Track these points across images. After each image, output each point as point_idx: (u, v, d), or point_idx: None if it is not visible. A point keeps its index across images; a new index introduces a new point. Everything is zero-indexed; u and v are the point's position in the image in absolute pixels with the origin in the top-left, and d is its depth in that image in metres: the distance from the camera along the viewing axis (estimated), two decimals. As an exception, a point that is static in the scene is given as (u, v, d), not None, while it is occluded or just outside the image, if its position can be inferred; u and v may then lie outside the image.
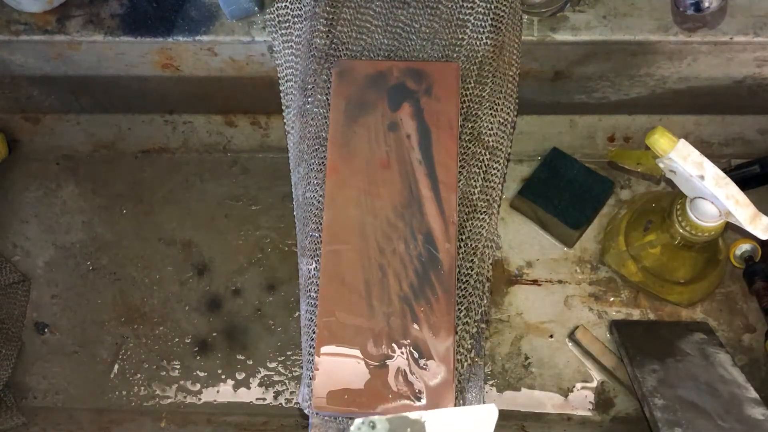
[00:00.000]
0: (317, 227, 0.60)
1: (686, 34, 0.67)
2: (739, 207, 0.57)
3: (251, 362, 0.81)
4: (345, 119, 0.61)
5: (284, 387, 0.80)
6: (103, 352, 0.82)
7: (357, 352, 0.56)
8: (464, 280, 0.59)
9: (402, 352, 0.55)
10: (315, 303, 0.57)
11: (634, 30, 0.67)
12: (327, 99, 0.63)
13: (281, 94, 0.67)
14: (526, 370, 0.78)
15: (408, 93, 0.62)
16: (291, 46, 0.67)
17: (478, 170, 0.62)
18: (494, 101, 0.63)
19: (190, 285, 0.84)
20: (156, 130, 0.88)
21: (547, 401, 0.77)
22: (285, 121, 0.66)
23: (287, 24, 0.67)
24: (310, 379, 0.56)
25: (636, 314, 0.78)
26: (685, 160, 0.57)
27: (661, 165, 0.60)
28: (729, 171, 0.79)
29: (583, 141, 0.84)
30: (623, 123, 0.83)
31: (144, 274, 0.84)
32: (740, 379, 0.66)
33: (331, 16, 0.64)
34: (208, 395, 0.80)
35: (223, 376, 0.80)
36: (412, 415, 0.37)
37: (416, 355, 0.55)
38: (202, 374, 0.81)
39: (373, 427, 0.36)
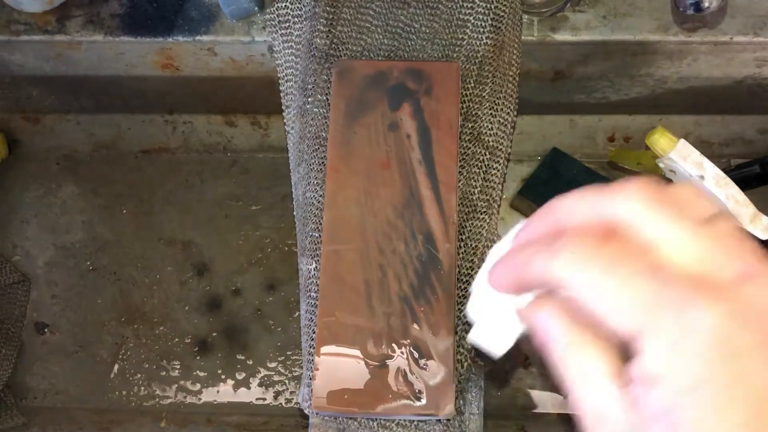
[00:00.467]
0: (317, 227, 0.60)
1: (686, 34, 0.67)
2: (739, 207, 0.57)
3: (251, 362, 0.81)
4: (345, 119, 0.61)
5: (284, 387, 0.80)
6: (103, 352, 0.82)
7: (357, 352, 0.55)
8: (464, 280, 0.58)
9: (402, 352, 0.55)
10: (315, 303, 0.57)
11: (634, 30, 0.67)
12: (327, 99, 0.63)
13: (281, 94, 0.67)
14: (526, 370, 0.78)
15: (408, 93, 0.62)
16: (291, 46, 0.67)
17: (478, 170, 0.61)
18: (494, 101, 0.63)
19: (190, 285, 0.84)
20: (156, 130, 0.88)
21: (547, 401, 0.77)
22: (285, 121, 0.66)
23: (287, 24, 0.67)
24: (310, 379, 0.56)
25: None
26: (685, 160, 0.57)
27: (661, 165, 0.60)
28: (729, 171, 0.79)
29: (583, 141, 0.84)
30: (623, 123, 0.83)
31: (144, 274, 0.84)
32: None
33: (331, 16, 0.64)
34: (208, 395, 0.80)
35: (223, 376, 0.80)
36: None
37: (416, 355, 0.55)
38: (202, 374, 0.81)
39: None
